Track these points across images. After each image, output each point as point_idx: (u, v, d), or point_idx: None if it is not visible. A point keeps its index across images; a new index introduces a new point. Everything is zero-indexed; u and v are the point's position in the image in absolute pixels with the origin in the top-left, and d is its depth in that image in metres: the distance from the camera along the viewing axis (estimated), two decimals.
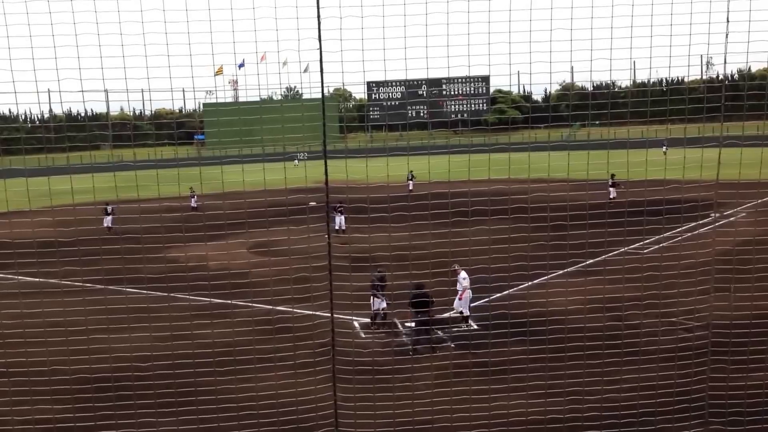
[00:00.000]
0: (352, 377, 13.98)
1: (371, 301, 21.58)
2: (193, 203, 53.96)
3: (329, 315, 13.10)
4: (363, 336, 21.35)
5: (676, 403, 13.29)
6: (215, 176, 14.47)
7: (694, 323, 17.61)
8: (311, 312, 18.32)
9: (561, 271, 22.89)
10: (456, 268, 21.50)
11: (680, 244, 27.85)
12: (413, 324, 20.46)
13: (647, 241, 28.24)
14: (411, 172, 54.04)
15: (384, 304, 21.60)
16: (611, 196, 45.00)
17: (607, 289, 16.87)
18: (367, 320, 21.95)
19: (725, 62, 11.42)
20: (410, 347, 19.62)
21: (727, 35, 10.93)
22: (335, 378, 12.86)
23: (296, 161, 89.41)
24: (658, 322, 17.57)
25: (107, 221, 44.72)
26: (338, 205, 40.47)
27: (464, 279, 21.36)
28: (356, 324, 22.38)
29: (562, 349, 14.41)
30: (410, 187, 56.12)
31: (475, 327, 21.56)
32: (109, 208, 44.95)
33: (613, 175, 43.62)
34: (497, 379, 15.03)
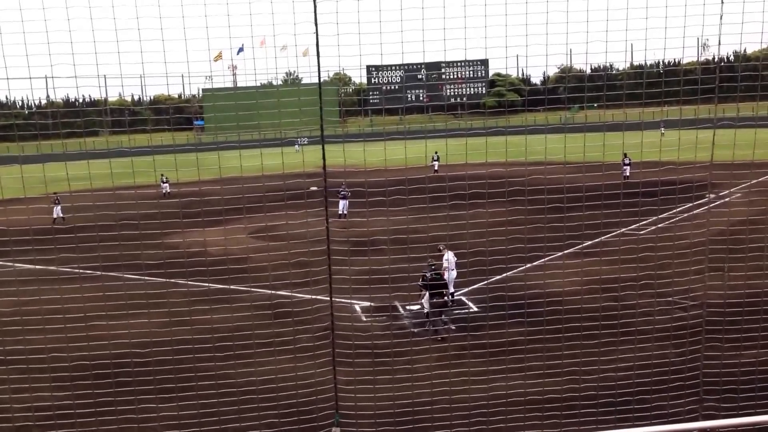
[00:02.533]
0: (352, 360, 14.05)
1: (424, 298, 21.20)
2: (165, 189, 54.64)
3: (328, 299, 13.14)
4: (364, 319, 21.41)
5: (672, 381, 13.37)
6: (214, 162, 14.48)
7: (688, 302, 17.68)
8: (311, 296, 18.37)
9: (558, 253, 22.94)
10: (441, 248, 21.56)
11: (675, 225, 27.88)
12: (425, 305, 20.57)
13: (643, 222, 28.27)
14: (436, 153, 55.49)
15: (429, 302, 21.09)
16: (626, 175, 46.06)
17: (604, 270, 16.92)
18: (367, 303, 22.01)
19: (719, 44, 11.40)
20: (430, 328, 19.79)
21: (721, 17, 10.90)
22: (335, 361, 12.91)
23: (297, 146, 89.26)
24: (654, 301, 17.63)
25: (57, 211, 44.33)
26: (342, 189, 40.43)
27: (447, 260, 21.46)
28: (357, 308, 22.43)
29: (559, 329, 14.47)
30: (435, 168, 57.94)
31: (475, 309, 21.62)
32: (57, 198, 44.51)
33: (625, 154, 44.97)
34: (496, 360, 15.09)
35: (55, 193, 43.85)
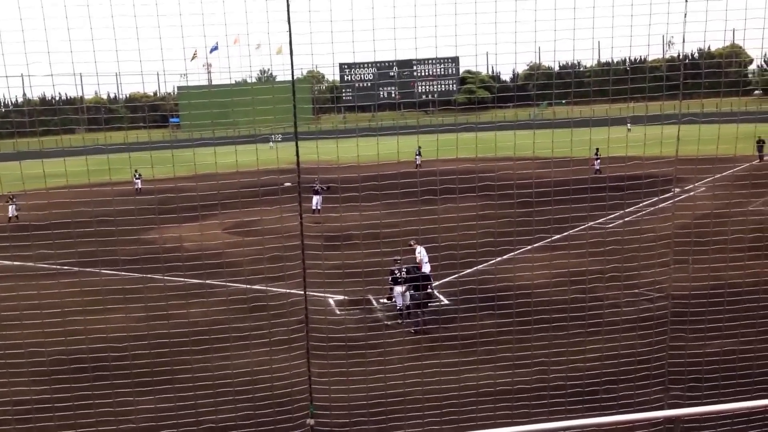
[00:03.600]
0: (326, 353, 14.00)
1: (393, 293, 20.97)
2: (138, 185, 54.62)
3: (303, 293, 13.07)
4: (337, 313, 21.37)
5: (638, 371, 13.48)
6: (190, 158, 14.34)
7: (654, 294, 17.84)
8: (285, 290, 18.29)
9: (528, 247, 23.05)
10: (412, 243, 21.61)
11: (642, 219, 28.13)
12: (397, 301, 20.57)
13: (610, 216, 28.50)
14: (419, 147, 56.60)
15: (402, 297, 20.87)
16: (597, 168, 46.81)
17: (572, 263, 17.02)
18: (340, 297, 21.97)
19: (684, 41, 11.48)
20: (403, 321, 19.84)
21: (685, 15, 10.97)
22: (309, 354, 12.86)
23: (271, 143, 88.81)
24: (621, 293, 17.77)
25: (11, 210, 43.68)
26: (316, 185, 40.30)
27: (419, 254, 21.48)
28: (331, 301, 22.38)
29: (529, 321, 14.53)
30: (418, 162, 59.23)
31: (445, 302, 21.66)
32: (12, 197, 43.91)
33: (597, 150, 45.87)
34: (467, 351, 15.13)
35: (10, 192, 43.12)
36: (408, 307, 20.47)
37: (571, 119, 15.36)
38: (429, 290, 20.31)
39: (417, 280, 19.39)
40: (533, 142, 13.05)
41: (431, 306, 20.38)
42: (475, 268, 22.11)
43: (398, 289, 20.40)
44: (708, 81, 14.27)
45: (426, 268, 21.45)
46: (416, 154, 62.90)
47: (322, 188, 39.99)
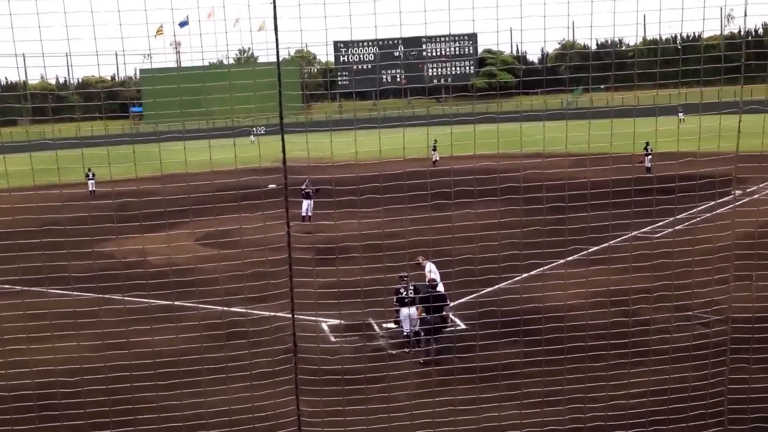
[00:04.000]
0: (319, 388, 14.03)
1: (400, 317, 20.99)
2: (90, 187, 54.52)
3: (290, 316, 13.11)
4: (332, 340, 21.39)
5: (692, 409, 13.49)
6: (155, 155, 14.40)
7: (711, 317, 17.85)
8: (269, 313, 18.32)
9: (560, 261, 23.05)
10: (420, 260, 21.60)
11: (696, 227, 28.14)
12: (403, 325, 20.58)
13: (659, 224, 28.51)
14: (435, 141, 57.15)
15: (410, 322, 20.97)
16: (647, 166, 46.97)
17: (613, 280, 17.04)
18: (336, 321, 22.00)
19: (746, 15, 11.53)
20: (411, 350, 19.92)
21: None
22: (298, 389, 12.90)
23: (252, 137, 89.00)
24: (671, 316, 17.78)
25: None
26: (306, 187, 40.36)
27: (429, 272, 21.46)
28: (324, 326, 22.40)
29: (561, 350, 14.54)
30: (435, 159, 59.80)
31: (462, 326, 21.67)
32: None
33: (647, 144, 46.04)
34: (487, 386, 15.15)
35: None
36: (417, 333, 20.48)
37: (612, 108, 15.40)
38: (443, 313, 20.32)
39: (428, 301, 19.40)
40: (566, 135, 13.08)
41: (445, 332, 20.40)
42: (497, 286, 22.12)
43: (405, 311, 20.42)
44: None
45: (439, 287, 21.47)
46: (432, 149, 63.30)
47: (313, 191, 40.05)
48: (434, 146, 62.87)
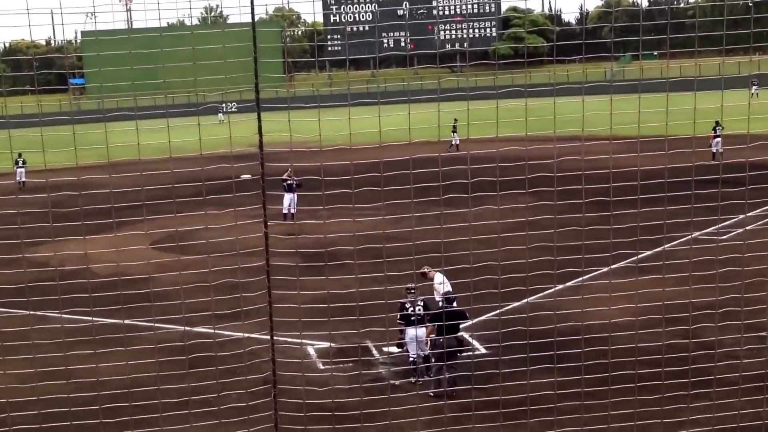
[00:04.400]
0: (304, 428, 14.07)
1: (405, 338, 20.94)
2: (19, 177, 54.44)
3: (268, 337, 13.13)
4: (320, 367, 21.41)
5: None
6: (100, 138, 14.40)
7: None
8: (242, 334, 18.34)
9: (602, 269, 23.05)
10: (427, 270, 21.56)
11: None
12: (410, 350, 20.59)
13: (725, 223, 28.51)
14: (456, 120, 57.29)
15: (418, 345, 20.84)
16: (717, 150, 46.95)
17: (668, 292, 17.01)
18: (325, 344, 22.02)
19: None
20: (423, 378, 19.96)
21: None
22: (278, 428, 12.91)
23: (220, 115, 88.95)
24: (741, 338, 17.79)
25: None
26: (288, 178, 40.24)
27: (441, 284, 21.42)
28: (310, 350, 22.43)
29: (605, 379, 14.55)
30: (455, 142, 60.15)
31: (482, 351, 21.68)
32: None
33: (717, 123, 45.94)
34: (514, 425, 15.17)
35: None
36: (426, 359, 20.48)
37: (667, 79, 15.40)
38: (458, 334, 20.34)
39: (440, 318, 19.41)
40: (610, 113, 13.09)
41: (460, 357, 20.41)
42: (525, 300, 22.13)
43: (412, 331, 20.39)
44: None
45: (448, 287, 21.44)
46: (452, 131, 63.43)
47: (296, 183, 40.01)
48: (454, 127, 62.95)
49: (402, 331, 20.71)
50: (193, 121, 15.35)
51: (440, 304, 20.54)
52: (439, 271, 21.54)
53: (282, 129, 13.38)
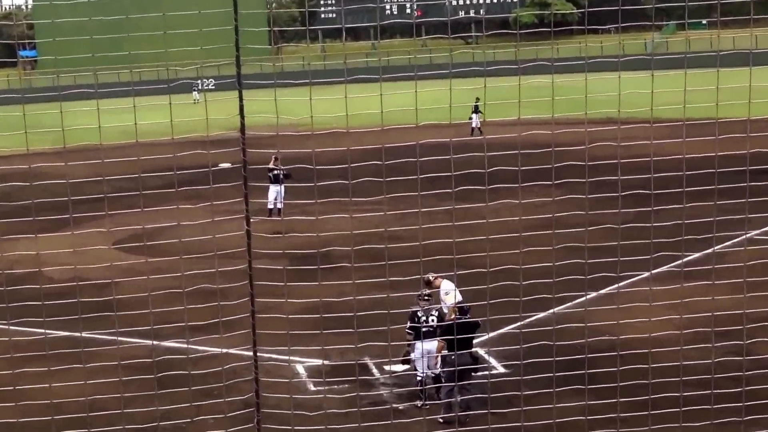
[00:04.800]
0: None
1: (412, 355, 20.99)
2: None
3: (251, 354, 13.14)
4: (311, 388, 21.42)
5: None
6: (55, 120, 14.40)
7: None
8: (221, 349, 18.36)
9: (642, 274, 23.04)
10: (432, 278, 21.50)
11: None
12: (417, 367, 20.58)
13: None
14: (477, 100, 57.05)
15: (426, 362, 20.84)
16: None
17: (719, 302, 17.03)
18: (317, 362, 22.03)
19: None
20: (425, 404, 19.95)
21: None
22: None
23: (195, 94, 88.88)
24: None
25: None
26: (275, 167, 40.19)
27: (448, 294, 21.36)
28: (300, 368, 22.44)
29: (643, 403, 14.55)
30: (475, 125, 60.01)
31: (500, 370, 21.68)
32: None
33: None
34: None
35: None
36: (437, 379, 20.47)
37: (717, 52, 15.40)
38: (473, 349, 20.32)
39: (451, 332, 19.37)
40: (651, 92, 13.08)
41: (474, 377, 20.41)
42: (551, 311, 22.15)
43: (421, 347, 20.31)
44: None
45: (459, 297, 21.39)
46: (473, 112, 63.31)
47: (284, 173, 39.98)
48: (475, 107, 62.73)
49: (410, 345, 20.69)
50: (163, 100, 15.34)
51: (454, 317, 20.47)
52: (447, 278, 21.51)
53: (267, 110, 13.39)
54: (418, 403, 20.35)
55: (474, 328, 20.03)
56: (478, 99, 57.95)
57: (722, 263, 21.66)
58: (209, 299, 15.38)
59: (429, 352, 20.28)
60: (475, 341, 20.66)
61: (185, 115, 14.76)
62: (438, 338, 20.03)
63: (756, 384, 15.96)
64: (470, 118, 64.44)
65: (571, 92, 13.72)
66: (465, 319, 20.10)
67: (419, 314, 20.46)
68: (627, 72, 13.66)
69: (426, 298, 20.54)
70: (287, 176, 39.86)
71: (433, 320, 20.33)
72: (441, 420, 19.41)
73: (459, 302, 20.83)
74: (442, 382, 20.24)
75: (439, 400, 20.06)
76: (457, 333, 18.99)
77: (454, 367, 19.43)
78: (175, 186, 14.28)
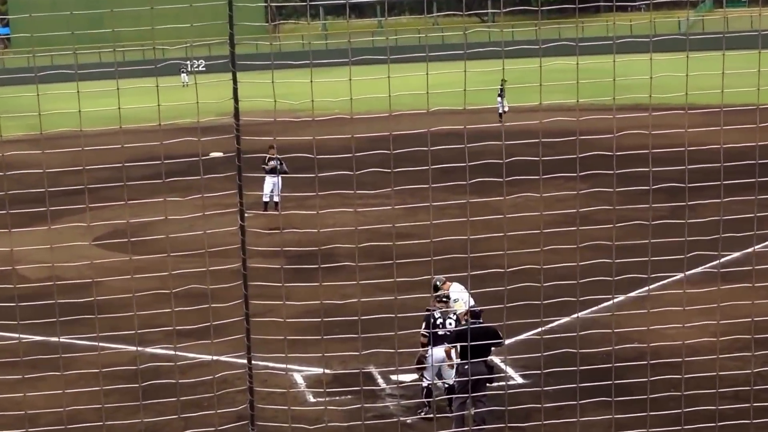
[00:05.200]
0: None
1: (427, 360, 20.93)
2: None
3: (245, 362, 13.14)
4: (310, 400, 21.43)
5: None
6: (30, 104, 14.41)
7: None
8: (212, 357, 18.40)
9: (675, 275, 23.03)
10: (440, 282, 21.43)
11: None
12: (426, 378, 20.59)
13: None
14: (503, 81, 56.98)
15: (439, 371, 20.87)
16: None
17: (759, 306, 17.02)
18: (317, 370, 22.04)
19: None
20: (428, 414, 19.92)
21: None
22: None
23: (184, 76, 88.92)
24: None
25: None
26: (273, 158, 40.14)
27: (458, 300, 21.32)
28: (298, 378, 22.44)
29: (676, 416, 14.55)
30: (504, 109, 59.94)
31: (517, 380, 21.67)
32: None
33: None
34: None
35: None
36: (450, 390, 20.44)
37: (759, 31, 15.37)
38: (488, 358, 20.30)
39: (465, 338, 19.34)
40: (686, 75, 13.07)
41: (490, 388, 20.40)
42: (574, 316, 22.16)
43: (438, 353, 20.24)
44: None
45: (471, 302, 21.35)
46: (498, 95, 63.25)
47: (280, 163, 39.93)
48: (501, 89, 62.66)
49: (426, 351, 20.66)
50: (149, 82, 15.34)
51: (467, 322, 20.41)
52: (458, 281, 21.47)
53: (263, 94, 13.38)
54: (421, 411, 20.34)
55: (492, 335, 19.96)
56: (504, 81, 57.94)
57: (763, 264, 21.66)
58: (199, 301, 15.34)
59: (444, 360, 20.26)
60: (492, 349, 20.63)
61: (173, 99, 14.76)
62: (449, 345, 19.98)
63: None
64: (500, 102, 64.26)
65: (597, 75, 13.73)
66: (482, 324, 20.06)
67: (436, 316, 20.43)
68: (659, 54, 13.60)
69: (444, 299, 20.52)
70: (280, 166, 39.80)
71: (450, 324, 20.30)
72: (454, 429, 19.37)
73: (471, 306, 20.79)
74: (454, 393, 20.21)
75: (451, 413, 20.03)
76: (473, 340, 18.99)
77: (467, 376, 19.45)
78: (163, 177, 14.27)
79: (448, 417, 19.97)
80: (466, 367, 19.45)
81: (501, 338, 20.11)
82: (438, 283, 21.39)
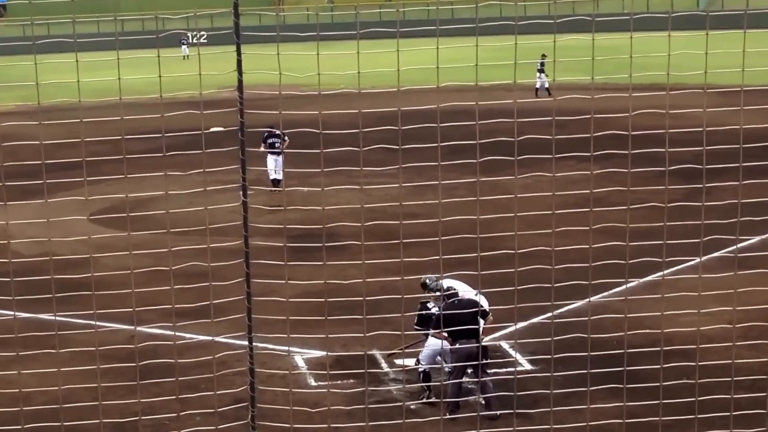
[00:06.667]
0: None
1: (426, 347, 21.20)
2: None
3: (246, 343, 13.17)
4: (312, 383, 21.46)
5: None
6: (27, 74, 14.42)
7: None
8: (211, 337, 18.43)
9: (692, 260, 23.03)
10: (429, 280, 21.40)
11: None
12: (422, 361, 20.63)
13: None
14: (544, 56, 56.99)
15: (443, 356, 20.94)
16: None
17: None
18: (319, 353, 22.06)
19: None
20: (445, 399, 19.94)
21: None
22: None
23: (185, 48, 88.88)
24: None
25: None
26: (270, 130, 40.15)
27: (447, 288, 21.34)
28: (299, 360, 22.47)
29: (689, 405, 14.57)
30: (542, 84, 60.04)
31: (525, 366, 21.70)
32: None
33: None
34: None
35: None
36: (451, 375, 20.48)
37: None
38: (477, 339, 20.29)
39: (462, 321, 19.34)
40: (705, 53, 13.05)
41: (489, 373, 20.42)
42: (585, 300, 22.18)
43: (433, 339, 20.35)
44: None
45: (467, 295, 21.32)
46: (538, 70, 62.97)
47: (283, 138, 39.92)
48: (541, 64, 62.30)
49: (426, 335, 20.73)
50: (149, 55, 15.35)
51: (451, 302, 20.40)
52: (453, 278, 21.42)
53: (268, 67, 13.38)
54: (423, 397, 20.42)
55: (472, 304, 19.82)
56: (544, 56, 57.52)
57: None
58: (198, 280, 15.36)
59: (432, 346, 20.29)
60: (488, 332, 20.63)
61: (174, 71, 14.75)
62: (435, 330, 20.02)
63: None
64: (539, 77, 63.84)
65: (612, 53, 13.74)
66: (460, 298, 20.08)
67: (429, 306, 20.51)
68: (677, 31, 13.57)
69: (437, 291, 20.57)
70: (283, 141, 39.91)
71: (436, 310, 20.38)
72: (449, 416, 19.37)
73: (448, 287, 20.78)
74: (450, 378, 20.26)
75: (452, 397, 20.07)
76: (456, 316, 19.02)
77: (459, 358, 19.50)
78: (163, 151, 14.27)
79: (447, 401, 20.01)
80: (457, 345, 19.49)
81: (480, 306, 19.98)
82: (427, 281, 21.32)
